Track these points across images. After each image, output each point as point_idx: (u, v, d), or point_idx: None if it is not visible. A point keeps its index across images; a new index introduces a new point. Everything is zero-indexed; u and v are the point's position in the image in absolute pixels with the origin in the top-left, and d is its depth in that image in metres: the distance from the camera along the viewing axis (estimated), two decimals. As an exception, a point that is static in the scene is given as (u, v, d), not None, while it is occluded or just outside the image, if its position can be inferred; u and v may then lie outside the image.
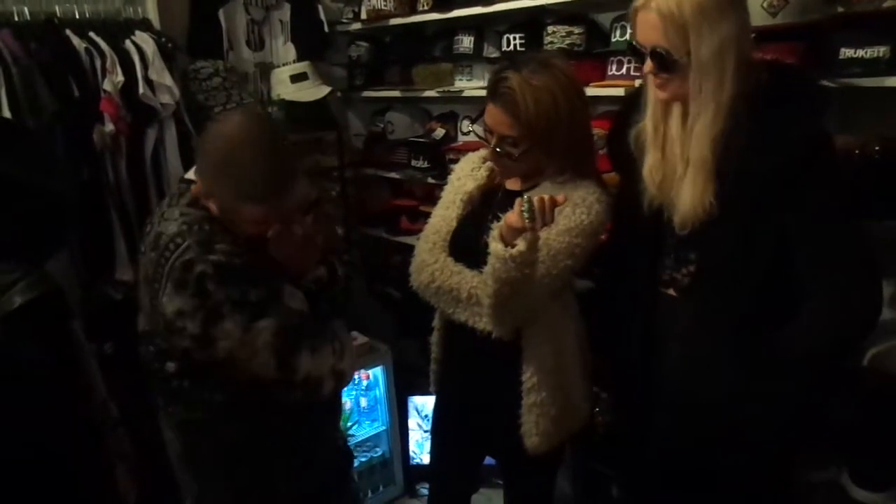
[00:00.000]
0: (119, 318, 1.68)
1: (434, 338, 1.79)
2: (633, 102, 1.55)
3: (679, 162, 1.40)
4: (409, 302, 1.77)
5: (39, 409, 1.30)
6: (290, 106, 2.84)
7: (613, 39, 2.15)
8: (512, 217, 1.33)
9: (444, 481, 1.87)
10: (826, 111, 1.35)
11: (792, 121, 1.31)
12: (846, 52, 1.63)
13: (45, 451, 1.32)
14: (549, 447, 1.58)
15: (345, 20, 3.12)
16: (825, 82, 1.62)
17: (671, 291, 1.51)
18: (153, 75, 2.28)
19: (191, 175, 1.39)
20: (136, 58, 2.26)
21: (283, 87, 2.86)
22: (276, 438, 1.43)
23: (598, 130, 2.14)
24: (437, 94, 2.73)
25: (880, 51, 1.58)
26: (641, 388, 1.56)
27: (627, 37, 2.05)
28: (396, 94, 2.95)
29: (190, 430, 1.44)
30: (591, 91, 2.14)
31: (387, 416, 2.85)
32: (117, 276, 2.27)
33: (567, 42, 2.23)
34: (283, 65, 2.95)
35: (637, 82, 1.93)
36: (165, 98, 2.32)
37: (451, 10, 2.55)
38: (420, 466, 2.90)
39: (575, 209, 1.49)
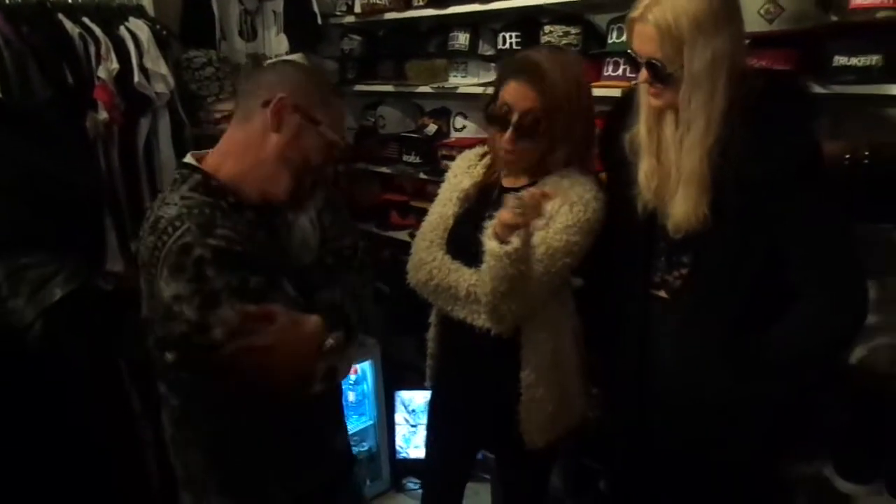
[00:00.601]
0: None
1: (431, 334, 1.80)
2: (626, 104, 1.56)
3: (673, 167, 1.42)
4: (399, 298, 1.77)
5: (82, 399, 1.30)
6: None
7: (610, 41, 2.17)
8: (504, 214, 1.35)
9: (439, 474, 1.89)
10: (816, 119, 1.39)
11: (785, 130, 1.34)
12: (840, 60, 1.65)
13: (88, 439, 1.32)
14: (545, 442, 1.60)
15: (338, 13, 3.10)
16: (819, 89, 1.67)
17: (662, 293, 1.52)
18: (148, 63, 2.26)
19: (190, 159, 1.36)
20: (130, 45, 2.24)
21: (276, 78, 2.84)
22: (271, 437, 1.41)
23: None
24: (430, 90, 2.74)
25: (873, 59, 1.60)
26: (632, 388, 1.58)
27: (624, 39, 2.08)
28: (389, 88, 2.94)
29: (185, 424, 1.41)
30: (587, 91, 2.18)
31: (374, 410, 2.86)
32: (108, 267, 2.25)
33: (564, 42, 2.24)
34: (276, 56, 2.93)
35: (633, 83, 1.95)
36: (160, 87, 2.30)
37: (447, 6, 2.55)
38: (407, 461, 2.91)
39: (573, 207, 1.50)
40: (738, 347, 1.41)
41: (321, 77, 1.42)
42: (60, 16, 2.17)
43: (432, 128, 2.84)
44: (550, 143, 1.55)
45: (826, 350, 1.42)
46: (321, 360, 1.28)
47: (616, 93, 2.06)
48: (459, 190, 1.69)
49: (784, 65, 1.72)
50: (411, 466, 2.88)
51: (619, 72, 2.14)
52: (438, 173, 1.80)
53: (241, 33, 2.88)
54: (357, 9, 2.93)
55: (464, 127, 2.72)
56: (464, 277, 1.56)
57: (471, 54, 2.60)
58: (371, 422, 2.86)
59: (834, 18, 1.72)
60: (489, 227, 1.41)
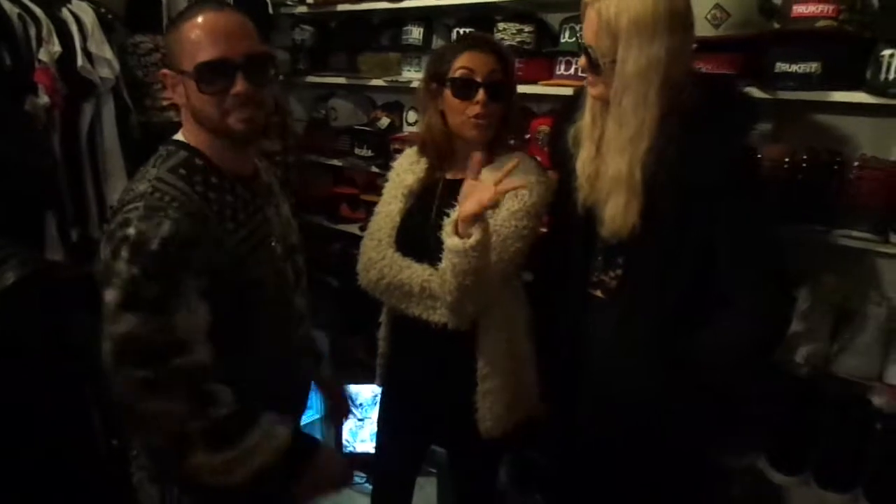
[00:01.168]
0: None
1: (381, 333, 1.79)
2: (574, 100, 1.58)
3: (611, 160, 1.42)
4: (348, 297, 1.76)
5: (37, 387, 1.26)
6: (231, 87, 2.77)
7: (562, 40, 2.20)
8: (468, 205, 1.35)
9: (390, 469, 1.88)
10: (753, 126, 1.42)
11: (721, 136, 1.36)
12: (781, 66, 1.71)
13: (40, 427, 1.28)
14: (501, 432, 1.62)
15: (289, 2, 3.06)
16: (761, 93, 1.73)
17: (599, 293, 1.54)
18: (92, 47, 2.18)
19: (180, 136, 1.31)
20: (73, 28, 2.15)
21: (226, 67, 2.78)
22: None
23: (544, 127, 2.21)
24: (383, 84, 2.73)
25: (812, 66, 1.67)
26: (568, 385, 1.60)
27: (576, 39, 2.12)
28: (341, 80, 2.92)
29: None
30: (539, 89, 2.21)
31: (321, 404, 2.84)
32: (46, 256, 2.17)
33: (517, 39, 2.27)
34: (225, 44, 2.87)
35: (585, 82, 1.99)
36: (105, 72, 2.22)
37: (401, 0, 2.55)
38: (354, 455, 2.90)
39: (517, 192, 1.50)
40: (670, 349, 1.42)
41: (179, 17, 1.29)
42: (-3, -6, 2.09)
43: (385, 121, 2.83)
44: (504, 115, 1.60)
45: (750, 354, 1.45)
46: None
47: (568, 91, 2.08)
48: (404, 187, 1.68)
49: (729, 69, 1.78)
50: (358, 460, 2.87)
51: (571, 71, 2.17)
52: (390, 167, 1.79)
53: (189, 19, 2.81)
54: (310, -1, 2.90)
55: (417, 121, 2.72)
56: (416, 273, 1.56)
57: (424, 49, 2.60)
58: (318, 415, 2.84)
59: (776, 25, 1.78)
60: (447, 225, 1.40)
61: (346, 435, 2.91)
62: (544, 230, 1.67)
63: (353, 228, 2.88)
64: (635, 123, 1.34)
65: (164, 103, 2.48)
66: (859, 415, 1.75)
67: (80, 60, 2.16)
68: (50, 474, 1.36)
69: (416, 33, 2.61)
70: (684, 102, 1.35)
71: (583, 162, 1.48)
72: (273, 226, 1.40)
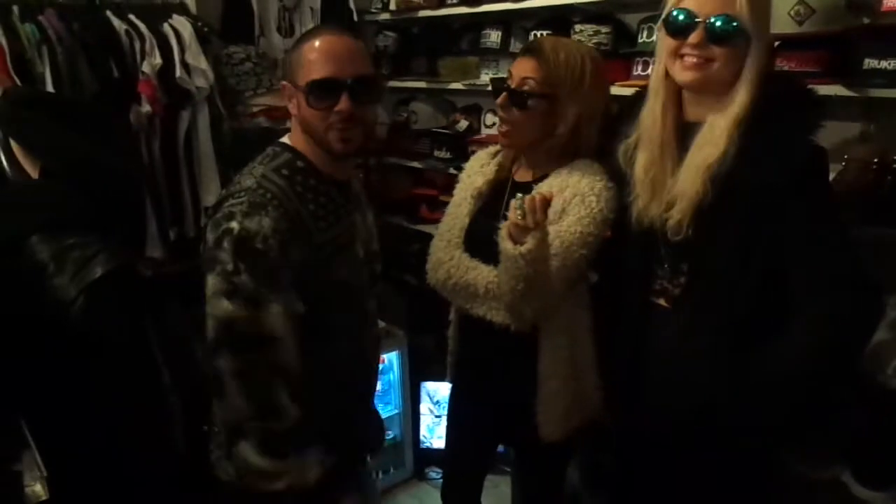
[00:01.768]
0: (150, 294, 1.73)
1: (451, 331, 1.82)
2: (627, 112, 1.54)
3: (669, 159, 1.41)
4: (424, 293, 1.80)
5: (120, 376, 1.37)
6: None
7: (640, 40, 2.19)
8: (511, 216, 1.37)
9: (458, 466, 1.92)
10: (818, 123, 1.34)
11: (786, 135, 1.31)
12: (870, 63, 1.64)
13: (126, 414, 1.39)
14: (562, 435, 1.62)
15: (373, 10, 3.16)
16: (847, 92, 1.67)
17: (662, 302, 1.50)
18: (189, 59, 2.34)
19: (286, 139, 1.42)
20: (173, 41, 2.32)
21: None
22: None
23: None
24: (462, 87, 2.78)
25: (904, 63, 1.60)
26: (630, 393, 1.56)
27: (653, 39, 2.09)
28: (422, 84, 2.99)
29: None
30: (616, 90, 2.19)
31: (400, 400, 2.92)
32: (147, 254, 2.34)
33: (594, 41, 2.26)
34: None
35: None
36: (200, 81, 2.38)
37: (479, 4, 2.59)
38: (430, 450, 2.96)
39: (584, 199, 1.50)
40: (739, 361, 1.37)
41: (302, 39, 1.39)
42: (108, 13, 2.27)
43: (463, 124, 2.88)
44: (547, 123, 1.55)
45: (829, 363, 1.36)
46: None
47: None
48: (473, 188, 1.71)
49: (813, 67, 1.72)
50: (434, 456, 2.93)
51: (649, 71, 2.14)
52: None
53: (279, 29, 2.95)
54: (392, 6, 2.99)
55: (494, 123, 2.75)
56: (482, 275, 1.58)
57: (502, 52, 2.63)
58: (396, 411, 2.91)
59: (865, 20, 1.70)
60: (503, 228, 1.42)
61: (423, 431, 2.97)
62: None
63: (432, 229, 2.89)
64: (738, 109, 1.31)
65: (255, 109, 2.63)
66: (952, 429, 1.65)
67: (178, 71, 2.32)
68: (126, 462, 1.47)
69: (493, 37, 2.65)
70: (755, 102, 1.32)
71: (644, 167, 1.45)
72: (358, 231, 1.48)
